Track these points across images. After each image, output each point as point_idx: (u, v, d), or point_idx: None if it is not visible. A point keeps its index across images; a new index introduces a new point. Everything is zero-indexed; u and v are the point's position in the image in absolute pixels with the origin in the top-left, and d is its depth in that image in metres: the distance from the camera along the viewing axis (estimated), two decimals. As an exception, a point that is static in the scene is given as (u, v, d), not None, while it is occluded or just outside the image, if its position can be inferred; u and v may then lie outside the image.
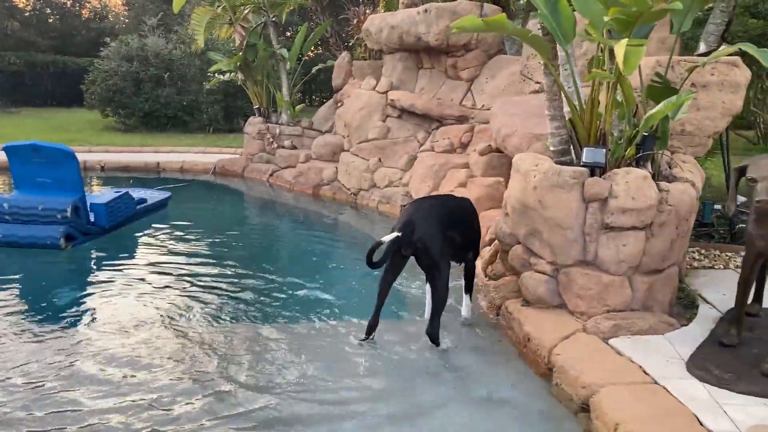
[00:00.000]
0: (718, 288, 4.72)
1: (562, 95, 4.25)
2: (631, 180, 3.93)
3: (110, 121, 18.79)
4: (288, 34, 15.59)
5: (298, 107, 11.17)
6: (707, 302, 4.48)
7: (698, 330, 3.98)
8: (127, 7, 32.86)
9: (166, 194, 8.16)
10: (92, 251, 6.35)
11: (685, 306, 4.45)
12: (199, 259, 6.20)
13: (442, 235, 4.01)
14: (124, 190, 7.25)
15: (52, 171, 6.32)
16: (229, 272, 5.77)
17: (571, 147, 4.34)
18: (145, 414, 3.25)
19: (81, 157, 7.44)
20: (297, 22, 12.31)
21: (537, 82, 7.30)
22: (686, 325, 4.09)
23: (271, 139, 10.90)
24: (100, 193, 7.13)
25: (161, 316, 4.61)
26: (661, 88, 4.46)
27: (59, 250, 6.09)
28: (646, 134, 4.18)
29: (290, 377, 3.70)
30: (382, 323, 4.21)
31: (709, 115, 4.95)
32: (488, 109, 8.11)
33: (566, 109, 4.32)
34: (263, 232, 7.92)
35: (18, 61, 26.52)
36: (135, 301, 4.93)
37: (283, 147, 10.77)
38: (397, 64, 9.34)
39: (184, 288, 5.29)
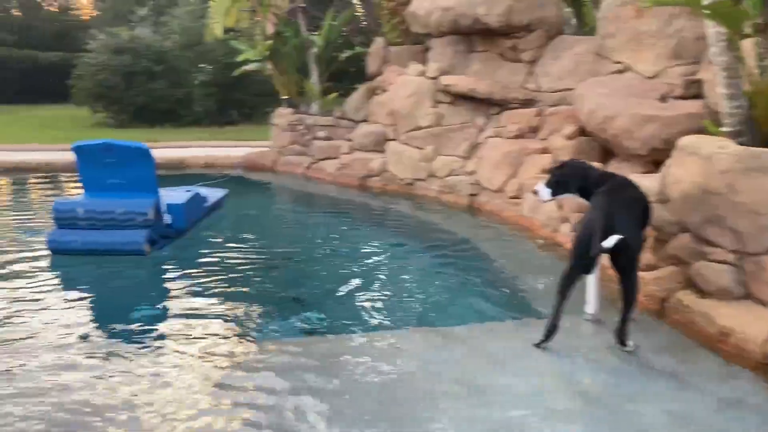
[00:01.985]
0: None
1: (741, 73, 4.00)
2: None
3: (100, 117, 17.94)
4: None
5: (330, 96, 10.70)
6: None
7: None
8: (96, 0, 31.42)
9: (223, 192, 7.67)
10: (168, 255, 5.90)
11: None
12: (273, 260, 5.97)
13: (641, 230, 3.76)
14: (194, 190, 6.76)
15: (126, 171, 5.80)
16: (308, 271, 5.57)
17: (748, 127, 4.11)
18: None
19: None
20: (323, 9, 11.75)
21: (616, 62, 7.07)
22: None
23: (305, 131, 10.43)
24: (168, 193, 6.60)
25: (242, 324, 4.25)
26: None
27: (142, 256, 5.60)
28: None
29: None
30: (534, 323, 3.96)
31: None
32: (556, 92, 7.89)
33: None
34: (323, 228, 7.54)
35: (-16, 56, 25.09)
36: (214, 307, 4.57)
37: (318, 138, 10.33)
38: (447, 49, 9.00)
39: (271, 293, 4.98)
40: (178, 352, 3.80)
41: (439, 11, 8.51)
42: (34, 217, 7.52)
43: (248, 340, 4.02)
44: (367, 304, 4.68)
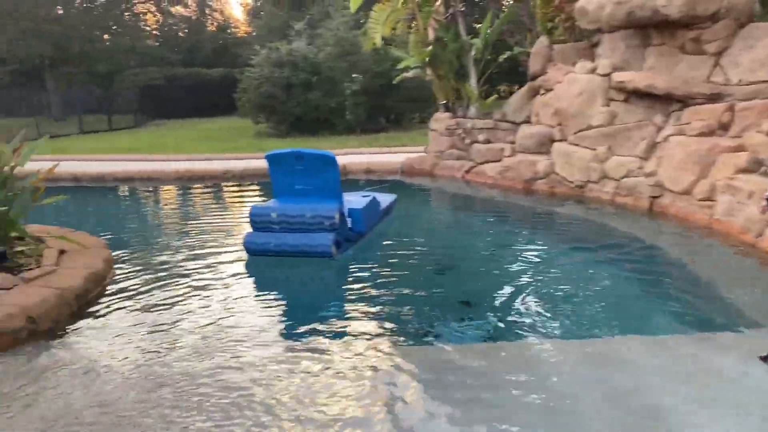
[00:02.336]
0: None
1: None
2: None
3: (261, 127, 19.11)
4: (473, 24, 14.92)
5: (489, 99, 10.60)
6: None
7: None
8: (251, 17, 33.60)
9: (393, 197, 7.83)
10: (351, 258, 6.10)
11: None
12: (440, 264, 5.97)
13: None
14: (371, 195, 6.97)
15: (313, 178, 6.09)
16: (476, 275, 5.52)
17: None
18: None
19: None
20: (481, 12, 11.68)
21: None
22: None
23: (464, 135, 10.41)
24: (348, 198, 6.85)
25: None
26: None
27: (329, 258, 5.84)
28: None
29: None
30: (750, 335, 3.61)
31: None
32: (749, 84, 7.23)
33: None
34: (488, 232, 7.46)
35: (158, 76, 27.69)
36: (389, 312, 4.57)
37: (477, 141, 10.26)
38: (619, 44, 8.57)
39: (441, 296, 4.98)
40: (359, 351, 3.89)
41: (612, 4, 8.12)
42: (224, 219, 8.15)
43: (425, 342, 4.05)
44: (545, 309, 4.56)
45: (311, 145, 14.84)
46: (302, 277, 5.66)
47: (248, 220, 6.12)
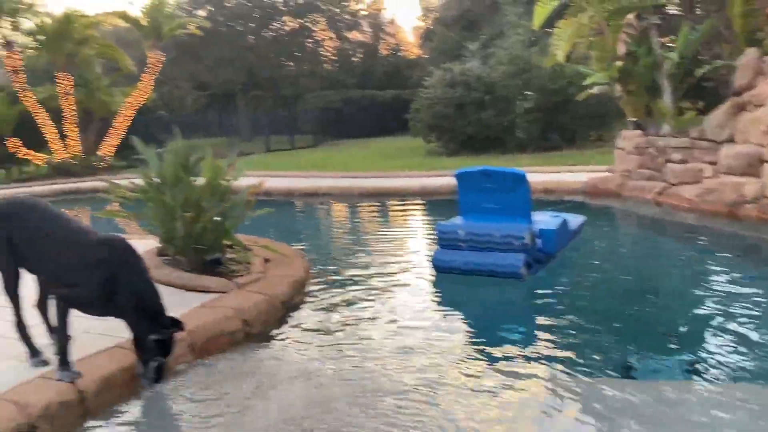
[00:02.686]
0: None
1: None
2: None
3: (432, 146, 19.38)
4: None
5: (686, 116, 9.81)
6: None
7: None
8: (423, 40, 34.43)
9: (582, 218, 7.47)
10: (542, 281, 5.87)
11: None
12: (633, 290, 5.54)
13: None
14: (562, 215, 6.72)
15: (502, 196, 5.98)
16: (673, 305, 5.04)
17: None
18: None
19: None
20: (676, 24, 10.93)
21: None
22: None
23: (656, 154, 9.71)
24: (536, 218, 6.65)
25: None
26: None
27: (518, 279, 5.67)
28: None
29: None
30: None
31: None
32: None
33: None
34: (684, 259, 6.81)
35: (335, 98, 29.25)
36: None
37: (671, 161, 9.51)
38: None
39: (635, 325, 4.59)
40: (544, 378, 3.69)
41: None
42: (408, 235, 8.31)
43: (614, 375, 3.74)
44: (749, 349, 3.98)
45: (481, 163, 14.74)
46: (488, 297, 5.56)
47: (435, 236, 6.17)
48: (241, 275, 5.36)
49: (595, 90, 10.90)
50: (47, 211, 3.70)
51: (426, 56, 32.76)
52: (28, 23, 18.43)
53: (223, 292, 4.97)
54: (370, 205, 11.18)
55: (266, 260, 5.88)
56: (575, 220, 7.23)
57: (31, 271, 3.77)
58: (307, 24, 33.32)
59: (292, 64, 32.19)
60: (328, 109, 28.46)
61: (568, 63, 12.90)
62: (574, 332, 4.50)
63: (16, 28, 17.59)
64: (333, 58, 36.24)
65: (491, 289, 5.64)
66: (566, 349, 4.16)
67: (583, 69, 11.43)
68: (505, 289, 5.61)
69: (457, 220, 6.19)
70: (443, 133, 18.18)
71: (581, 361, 3.96)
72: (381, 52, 37.15)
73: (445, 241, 6.07)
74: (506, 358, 4.03)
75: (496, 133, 17.76)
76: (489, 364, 3.95)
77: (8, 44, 16.85)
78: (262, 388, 3.64)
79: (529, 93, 17.32)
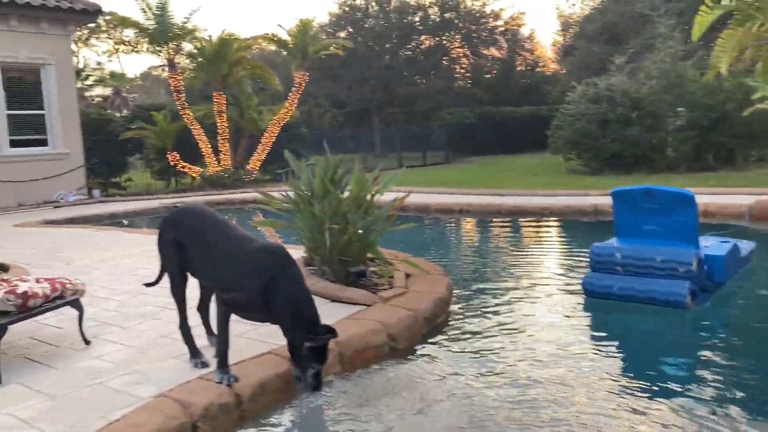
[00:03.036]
0: None
1: None
2: None
3: (572, 164, 18.65)
4: None
5: None
6: None
7: None
8: (563, 54, 33.46)
9: (752, 244, 6.73)
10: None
11: None
12: None
13: None
14: (732, 241, 6.10)
15: (665, 218, 5.51)
16: None
17: None
18: None
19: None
20: None
21: None
22: None
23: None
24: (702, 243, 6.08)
25: None
26: None
27: (682, 309, 5.17)
28: None
29: None
30: None
31: None
32: None
33: None
34: None
35: (469, 114, 29.12)
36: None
37: None
38: None
39: None
40: (702, 419, 3.28)
41: None
42: (550, 256, 7.94)
43: None
44: None
45: (627, 183, 13.89)
46: (646, 326, 5.13)
47: (588, 259, 5.80)
48: (384, 289, 5.32)
49: (766, 104, 9.90)
50: (213, 219, 3.86)
51: (564, 71, 31.78)
52: (188, 46, 20.08)
53: (366, 305, 4.96)
54: (509, 223, 10.87)
55: (407, 275, 5.82)
56: (745, 246, 6.53)
57: (194, 275, 3.95)
58: (443, 42, 33.57)
59: (425, 81, 32.52)
60: (461, 125, 28.40)
61: (728, 77, 11.89)
62: (747, 375, 4.00)
63: (178, 50, 19.18)
64: (467, 74, 36.23)
65: (649, 319, 5.20)
66: (736, 390, 3.70)
67: (751, 82, 10.43)
68: (665, 319, 5.14)
69: (614, 242, 5.78)
70: (585, 150, 17.42)
71: (745, 404, 3.50)
72: (517, 68, 36.56)
73: (599, 264, 5.68)
74: (666, 394, 3.66)
75: (643, 152, 16.74)
76: (649, 399, 3.59)
77: (171, 66, 18.40)
78: (417, 405, 3.53)
79: (681, 109, 16.19)
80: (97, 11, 17.43)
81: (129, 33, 19.41)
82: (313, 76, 20.26)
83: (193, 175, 19.22)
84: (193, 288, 4.05)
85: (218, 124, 18.91)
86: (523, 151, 27.91)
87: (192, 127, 18.55)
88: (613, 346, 4.74)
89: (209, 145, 18.87)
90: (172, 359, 4.03)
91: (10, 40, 15.90)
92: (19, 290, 4.01)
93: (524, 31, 37.88)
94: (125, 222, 13.96)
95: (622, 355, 4.56)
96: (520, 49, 36.23)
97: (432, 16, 33.66)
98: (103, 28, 31.72)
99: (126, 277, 6.72)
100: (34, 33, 16.28)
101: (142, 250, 8.42)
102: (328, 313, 4.58)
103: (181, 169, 19.12)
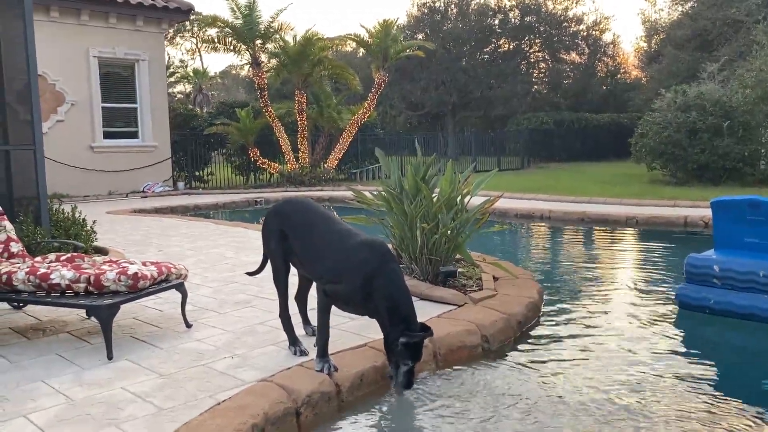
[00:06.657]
0: None
1: None
2: None
3: (656, 174, 18.00)
4: None
5: None
6: None
7: None
8: (648, 61, 32.34)
9: None
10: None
11: None
12: None
13: None
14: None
15: (770, 230, 5.26)
16: None
17: None
18: None
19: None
20: None
21: None
22: None
23: None
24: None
25: None
26: None
27: (787, 328, 4.92)
28: None
29: None
30: None
31: None
32: None
33: None
34: None
35: (547, 120, 28.58)
36: None
37: None
38: None
39: None
40: None
41: None
42: (636, 266, 7.71)
43: None
44: None
45: (715, 194, 13.27)
46: (745, 343, 4.90)
47: (682, 270, 5.60)
48: (474, 290, 5.31)
49: None
50: (318, 212, 3.96)
51: (648, 78, 30.74)
52: (271, 45, 20.56)
53: (457, 305, 4.96)
54: (591, 231, 10.61)
55: (495, 278, 5.79)
56: None
57: (295, 265, 4.07)
58: (523, 46, 33.11)
59: (503, 85, 32.14)
60: (537, 130, 27.91)
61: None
62: None
63: (263, 49, 19.69)
64: (545, 79, 35.59)
65: (748, 335, 4.97)
66: None
67: None
68: (766, 337, 4.90)
69: (712, 253, 5.55)
70: (671, 160, 16.77)
71: None
72: (598, 74, 35.61)
73: (694, 276, 5.47)
74: (756, 416, 3.48)
75: (733, 164, 15.97)
76: (750, 424, 3.42)
77: (256, 64, 18.93)
78: (513, 409, 3.51)
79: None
80: (190, 9, 18.17)
81: (212, 32, 19.89)
82: (389, 78, 20.35)
83: (273, 171, 19.69)
84: (291, 277, 4.16)
85: (299, 122, 19.31)
86: (602, 158, 27.18)
87: (273, 124, 19.02)
88: (708, 362, 4.52)
89: (289, 143, 19.29)
90: (271, 345, 4.16)
91: (110, 37, 16.79)
92: (130, 271, 4.22)
93: (606, 37, 36.94)
94: (211, 214, 14.49)
95: (718, 372, 4.34)
96: (602, 54, 35.26)
97: (512, 19, 33.26)
98: (187, 27, 32.97)
99: (217, 266, 6.97)
100: (131, 30, 17.13)
101: (229, 240, 8.72)
102: (419, 311, 4.56)
103: (261, 166, 19.63)
